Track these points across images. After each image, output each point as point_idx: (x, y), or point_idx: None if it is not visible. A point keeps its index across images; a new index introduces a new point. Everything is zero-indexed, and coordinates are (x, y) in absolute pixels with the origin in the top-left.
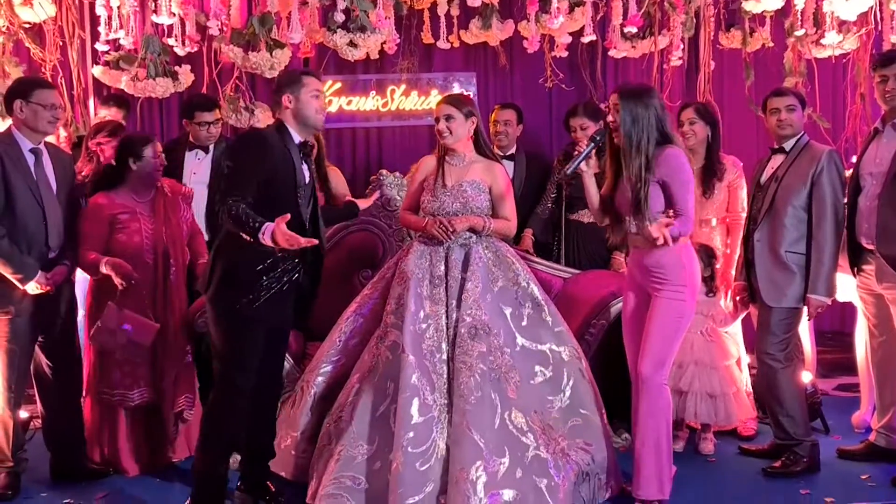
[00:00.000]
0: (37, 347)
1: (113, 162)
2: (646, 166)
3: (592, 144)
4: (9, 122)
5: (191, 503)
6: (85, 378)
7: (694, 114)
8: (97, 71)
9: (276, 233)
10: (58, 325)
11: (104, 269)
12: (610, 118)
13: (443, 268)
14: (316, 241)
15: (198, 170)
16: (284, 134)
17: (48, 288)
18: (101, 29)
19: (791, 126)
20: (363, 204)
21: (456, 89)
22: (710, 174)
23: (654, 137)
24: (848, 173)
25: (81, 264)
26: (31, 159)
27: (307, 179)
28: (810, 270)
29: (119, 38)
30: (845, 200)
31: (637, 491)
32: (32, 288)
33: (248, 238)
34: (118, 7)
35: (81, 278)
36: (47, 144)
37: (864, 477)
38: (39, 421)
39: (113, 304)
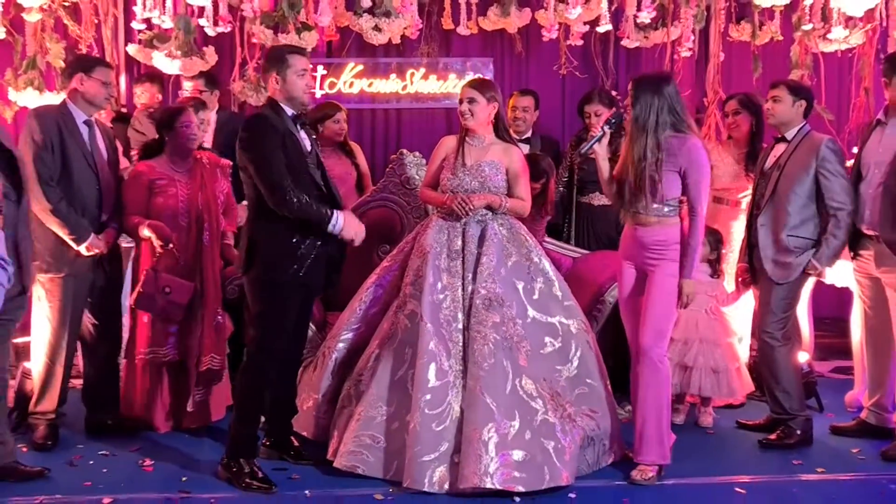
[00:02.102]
0: None
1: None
2: (655, 147)
3: (606, 126)
4: (36, 97)
5: (226, 461)
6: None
7: (738, 105)
8: (132, 49)
9: (347, 224)
10: (106, 286)
11: (145, 232)
12: (627, 102)
13: (460, 242)
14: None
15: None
16: (278, 110)
17: (101, 249)
18: (137, 8)
19: (773, 116)
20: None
21: (473, 74)
22: (754, 160)
23: (665, 122)
24: (849, 164)
25: (126, 229)
26: (84, 130)
27: (309, 147)
28: (822, 243)
29: (152, 18)
30: None
31: (639, 457)
32: (85, 248)
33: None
34: None
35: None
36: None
37: (854, 450)
38: (74, 378)
39: (150, 270)
